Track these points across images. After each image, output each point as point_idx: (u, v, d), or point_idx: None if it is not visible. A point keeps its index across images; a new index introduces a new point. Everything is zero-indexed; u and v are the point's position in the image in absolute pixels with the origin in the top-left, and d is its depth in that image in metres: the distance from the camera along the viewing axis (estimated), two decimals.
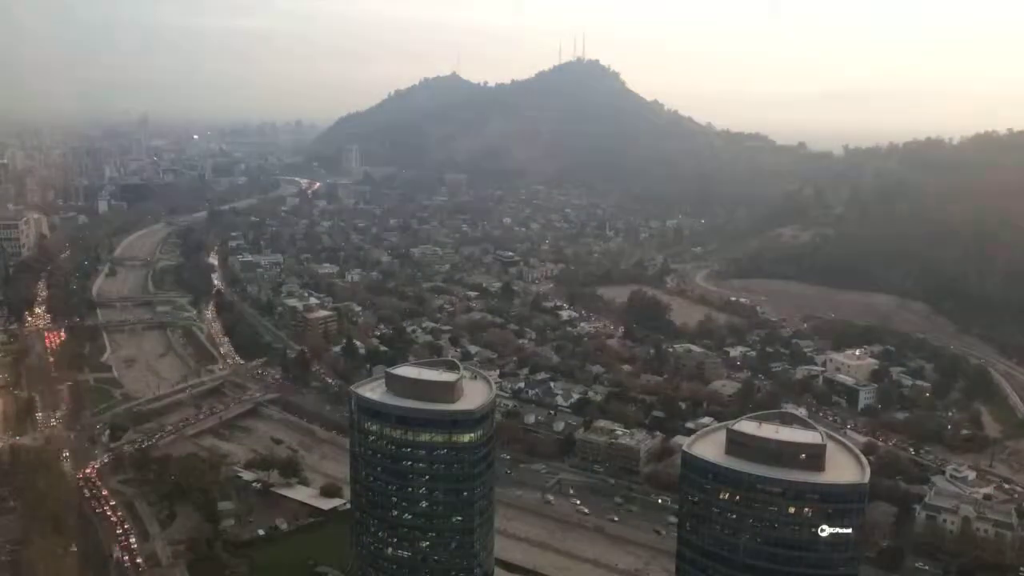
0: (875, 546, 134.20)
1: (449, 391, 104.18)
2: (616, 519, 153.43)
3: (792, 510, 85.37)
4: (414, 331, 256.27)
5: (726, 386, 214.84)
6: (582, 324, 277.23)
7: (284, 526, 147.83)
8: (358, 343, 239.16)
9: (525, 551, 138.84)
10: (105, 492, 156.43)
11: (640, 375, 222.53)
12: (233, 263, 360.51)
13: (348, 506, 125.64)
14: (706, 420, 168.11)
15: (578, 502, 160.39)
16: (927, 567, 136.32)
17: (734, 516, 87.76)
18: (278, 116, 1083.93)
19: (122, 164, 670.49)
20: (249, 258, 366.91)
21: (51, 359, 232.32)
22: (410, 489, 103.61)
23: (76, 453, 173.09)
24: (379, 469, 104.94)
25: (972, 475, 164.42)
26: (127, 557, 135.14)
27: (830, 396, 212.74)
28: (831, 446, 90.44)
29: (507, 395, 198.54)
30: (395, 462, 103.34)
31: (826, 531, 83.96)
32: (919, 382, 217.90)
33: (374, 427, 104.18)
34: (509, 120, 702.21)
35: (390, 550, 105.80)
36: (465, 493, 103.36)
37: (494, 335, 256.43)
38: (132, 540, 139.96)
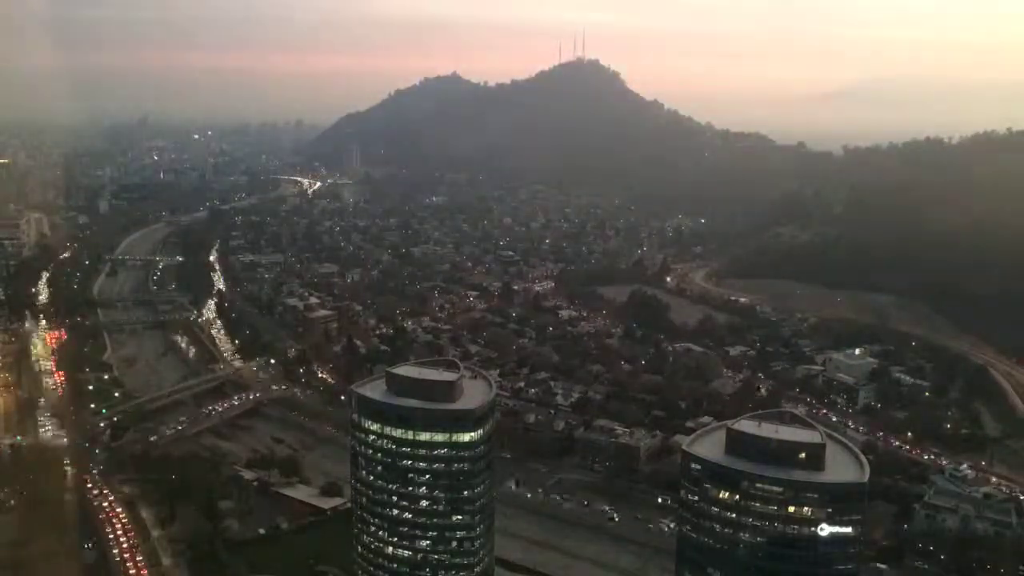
0: (875, 545, 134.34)
1: (449, 390, 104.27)
2: (616, 518, 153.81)
3: (792, 509, 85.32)
4: (414, 331, 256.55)
5: (726, 385, 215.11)
6: (582, 324, 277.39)
7: (285, 525, 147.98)
8: (358, 342, 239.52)
9: (525, 550, 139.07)
10: (105, 491, 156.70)
11: (640, 374, 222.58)
12: (234, 263, 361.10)
13: (349, 505, 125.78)
14: (706, 419, 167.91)
15: (584, 502, 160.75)
16: (926, 566, 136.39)
17: (734, 515, 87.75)
18: (279, 116, 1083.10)
19: (123, 164, 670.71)
20: (250, 258, 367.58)
21: (52, 358, 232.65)
22: (410, 488, 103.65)
23: (76, 453, 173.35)
24: (379, 468, 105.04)
25: (971, 474, 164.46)
26: (127, 556, 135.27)
27: (830, 395, 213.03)
28: (831, 445, 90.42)
29: (507, 394, 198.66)
30: (395, 461, 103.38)
31: (826, 530, 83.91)
32: (918, 381, 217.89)
33: (374, 426, 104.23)
34: (509, 120, 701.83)
35: (390, 549, 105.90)
36: (465, 492, 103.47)
37: (494, 335, 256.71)
38: (132, 539, 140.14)
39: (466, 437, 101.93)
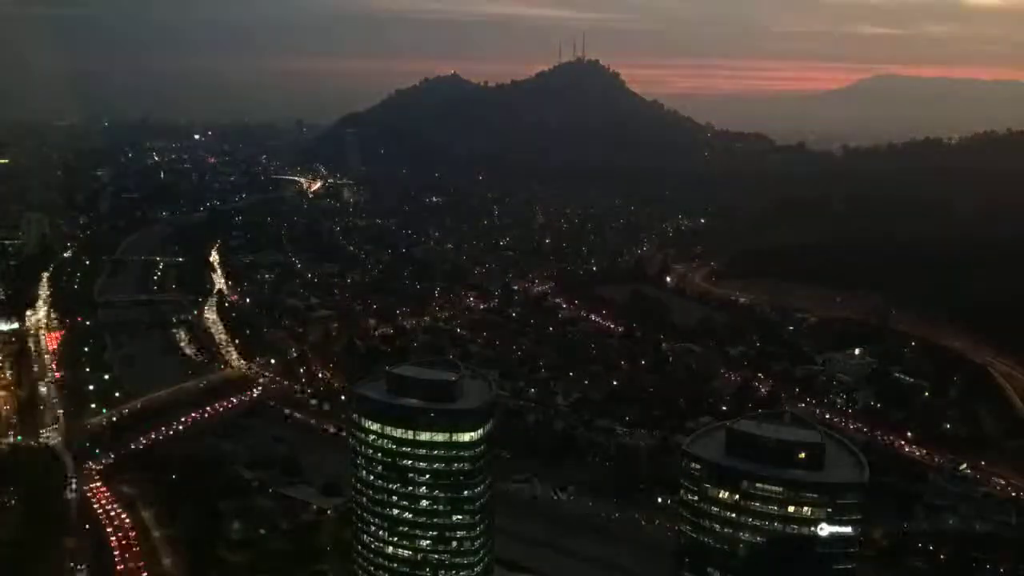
0: (874, 545, 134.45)
1: (449, 390, 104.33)
2: (616, 517, 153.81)
3: (792, 509, 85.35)
4: (414, 331, 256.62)
5: (726, 385, 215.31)
6: (582, 324, 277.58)
7: (285, 525, 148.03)
8: (359, 342, 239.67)
9: (525, 550, 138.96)
10: (106, 491, 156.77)
11: (640, 374, 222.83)
12: (234, 262, 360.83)
13: (349, 504, 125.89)
14: (705, 419, 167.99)
15: (587, 502, 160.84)
16: (926, 566, 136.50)
17: (733, 515, 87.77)
18: (279, 116, 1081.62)
19: (123, 164, 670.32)
20: (250, 258, 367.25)
21: (52, 358, 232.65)
22: (410, 488, 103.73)
23: (77, 453, 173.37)
24: (379, 468, 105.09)
25: (971, 474, 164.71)
26: (128, 557, 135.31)
27: (829, 395, 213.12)
28: (830, 445, 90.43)
29: (507, 394, 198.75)
30: (395, 461, 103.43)
31: (825, 530, 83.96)
32: (918, 381, 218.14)
33: (374, 426, 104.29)
34: (509, 120, 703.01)
35: (390, 549, 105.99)
36: (465, 492, 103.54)
37: (494, 334, 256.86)
38: (132, 540, 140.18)
39: (466, 437, 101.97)
